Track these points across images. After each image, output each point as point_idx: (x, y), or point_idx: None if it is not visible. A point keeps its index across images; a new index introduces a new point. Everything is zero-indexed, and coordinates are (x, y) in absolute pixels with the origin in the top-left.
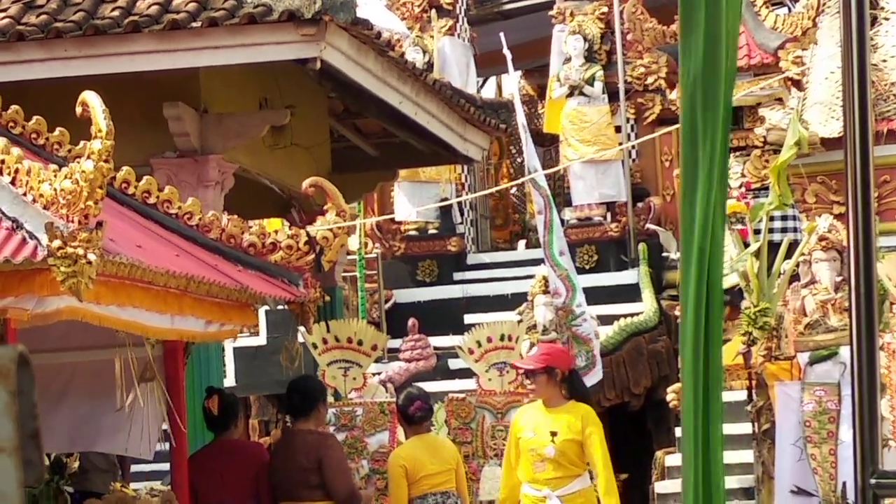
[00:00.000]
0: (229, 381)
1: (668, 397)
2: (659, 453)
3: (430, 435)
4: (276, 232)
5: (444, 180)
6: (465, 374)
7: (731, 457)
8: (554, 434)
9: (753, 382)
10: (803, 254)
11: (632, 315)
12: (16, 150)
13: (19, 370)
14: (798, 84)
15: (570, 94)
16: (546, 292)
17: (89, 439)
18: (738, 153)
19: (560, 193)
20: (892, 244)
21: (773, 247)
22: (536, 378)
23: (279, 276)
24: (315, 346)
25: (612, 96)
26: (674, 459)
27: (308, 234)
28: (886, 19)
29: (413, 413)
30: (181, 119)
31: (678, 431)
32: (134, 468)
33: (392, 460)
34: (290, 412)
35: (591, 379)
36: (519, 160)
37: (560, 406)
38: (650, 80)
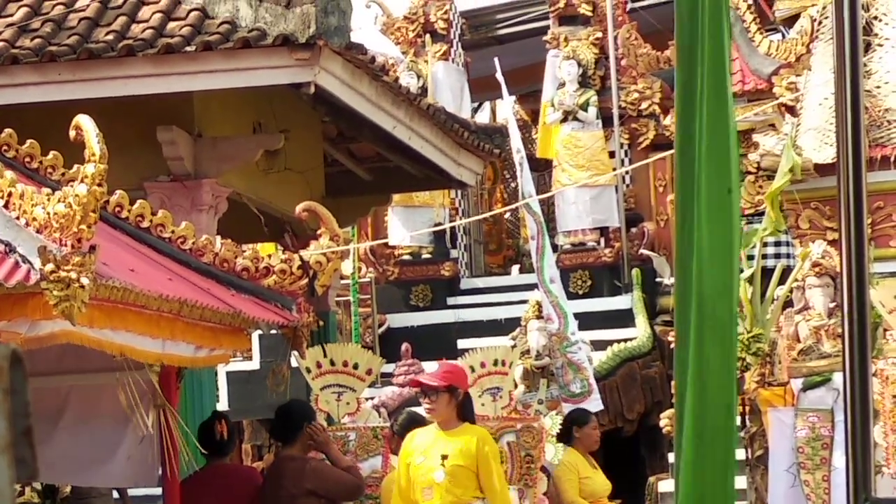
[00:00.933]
0: (222, 405)
1: (662, 423)
2: (652, 479)
3: None
4: (269, 256)
5: (437, 205)
6: None
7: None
8: (445, 458)
9: (747, 408)
10: (797, 280)
11: (625, 340)
12: (9, 174)
13: (12, 368)
14: (792, 110)
15: (564, 120)
16: (540, 317)
17: (92, 472)
18: None
19: (550, 219)
20: (886, 270)
21: (767, 273)
22: (438, 397)
23: (272, 301)
24: (308, 371)
25: (606, 121)
26: (667, 485)
27: (301, 259)
28: (880, 45)
29: None
30: (175, 143)
31: (671, 457)
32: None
33: (388, 483)
34: (276, 438)
35: (589, 406)
36: (513, 185)
37: (455, 428)
38: (644, 105)
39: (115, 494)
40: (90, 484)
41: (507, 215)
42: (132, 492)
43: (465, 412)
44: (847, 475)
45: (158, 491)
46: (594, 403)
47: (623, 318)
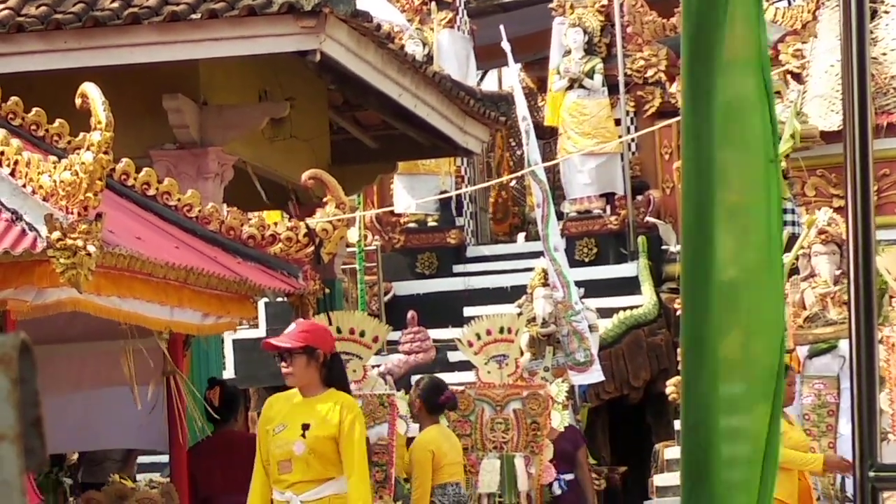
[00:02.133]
0: (228, 373)
1: (668, 390)
2: (658, 446)
3: (445, 426)
4: (275, 224)
5: (443, 173)
6: (465, 366)
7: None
8: (306, 427)
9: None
10: (803, 247)
11: (631, 308)
12: (15, 142)
13: (21, 358)
14: (798, 77)
15: (570, 87)
16: (545, 285)
17: (104, 436)
18: None
19: (556, 186)
20: (892, 238)
21: None
22: (294, 360)
23: (279, 269)
24: None
25: (612, 89)
26: (673, 452)
27: (307, 227)
28: (886, 12)
29: (444, 402)
30: (181, 111)
31: (677, 424)
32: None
33: (420, 445)
34: None
35: (590, 378)
36: (519, 153)
37: (317, 395)
38: (650, 72)
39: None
40: (102, 447)
41: (513, 183)
42: (143, 458)
43: (331, 376)
44: (853, 442)
45: (166, 458)
46: (595, 374)
47: (629, 286)
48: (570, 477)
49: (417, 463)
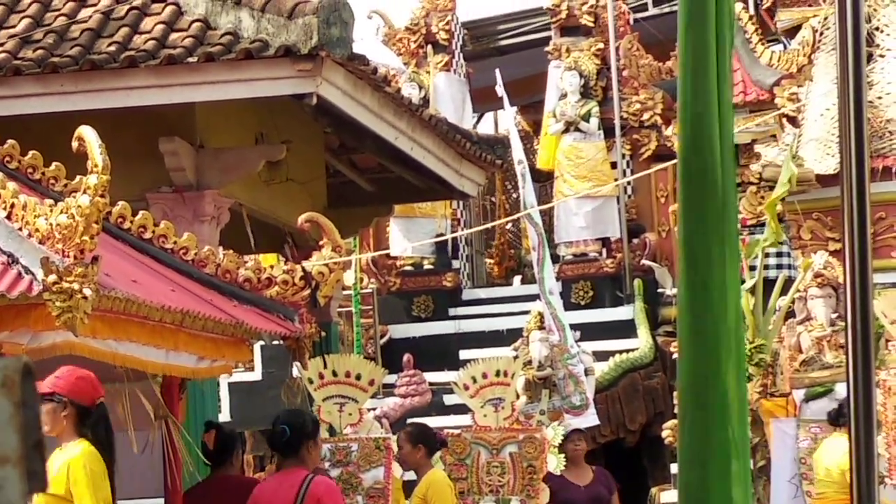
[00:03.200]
0: (224, 416)
1: (664, 433)
2: (654, 490)
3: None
4: (271, 267)
5: (439, 215)
6: (461, 409)
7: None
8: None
9: (748, 419)
10: (799, 290)
11: (627, 351)
12: (12, 185)
13: (23, 381)
14: (794, 121)
15: (566, 130)
16: (542, 328)
17: None
18: None
19: (551, 229)
20: (888, 281)
21: (769, 283)
22: (45, 405)
23: (275, 312)
24: (311, 381)
25: (608, 132)
26: (669, 496)
27: (304, 270)
28: (882, 56)
29: (441, 442)
30: (177, 154)
31: (674, 468)
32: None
33: (439, 480)
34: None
35: (585, 422)
36: (515, 196)
37: (64, 446)
38: (646, 116)
39: None
40: None
41: (509, 226)
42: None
43: (88, 427)
44: (851, 486)
45: (160, 502)
46: (591, 418)
47: (625, 329)
48: None
49: (442, 494)
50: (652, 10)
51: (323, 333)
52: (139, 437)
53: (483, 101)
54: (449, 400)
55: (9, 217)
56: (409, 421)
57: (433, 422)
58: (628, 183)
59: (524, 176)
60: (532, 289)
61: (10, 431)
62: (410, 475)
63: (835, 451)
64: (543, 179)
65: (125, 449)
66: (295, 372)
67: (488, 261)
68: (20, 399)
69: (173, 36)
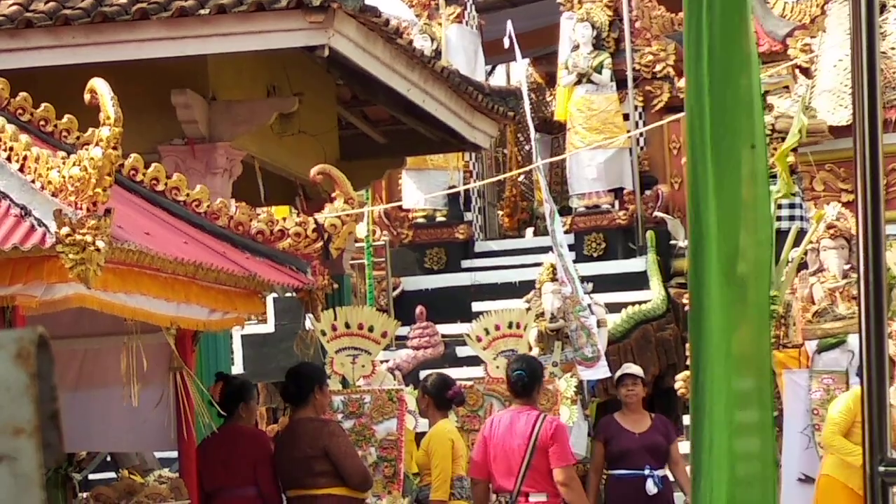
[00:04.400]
0: (237, 368)
1: (677, 385)
2: None
3: (453, 421)
4: (284, 219)
5: (451, 168)
6: (473, 361)
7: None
8: None
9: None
10: (811, 242)
11: (639, 303)
12: (24, 138)
13: (39, 352)
14: (806, 72)
15: (578, 82)
16: (554, 280)
17: (111, 437)
18: None
19: (564, 181)
20: None
21: (781, 235)
22: None
23: (287, 264)
24: (324, 334)
25: (620, 84)
26: (682, 447)
27: (316, 222)
28: (895, 7)
29: (452, 397)
30: (189, 106)
31: (686, 419)
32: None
33: (439, 434)
34: (287, 400)
35: (596, 374)
36: (527, 148)
37: None
38: (658, 67)
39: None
40: (107, 450)
41: (521, 178)
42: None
43: None
44: (863, 437)
45: (174, 453)
46: (601, 370)
47: (637, 281)
48: (661, 473)
49: (438, 451)
50: None
51: (335, 285)
52: (152, 390)
53: (495, 52)
54: (461, 352)
55: (21, 169)
56: (431, 372)
57: (446, 373)
58: (641, 135)
59: (552, 215)
60: (544, 241)
61: (26, 403)
62: (425, 426)
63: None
64: (556, 131)
65: (141, 402)
66: (308, 324)
67: (500, 213)
68: (35, 370)
69: None
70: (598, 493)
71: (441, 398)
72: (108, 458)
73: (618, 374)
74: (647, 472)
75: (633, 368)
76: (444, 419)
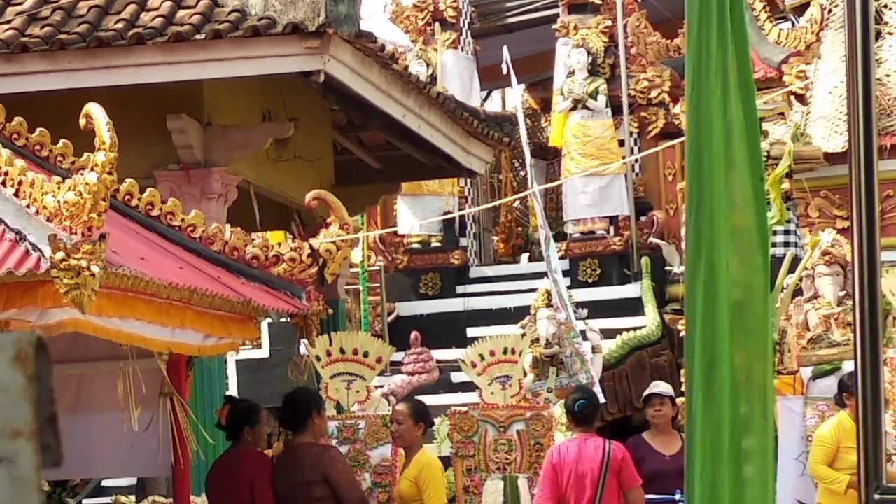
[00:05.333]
0: (231, 393)
1: None
2: None
3: None
4: (279, 245)
5: (446, 193)
6: (468, 387)
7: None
8: None
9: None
10: (806, 268)
11: (634, 329)
12: (19, 162)
13: (37, 355)
14: (801, 98)
15: (574, 108)
16: (549, 306)
17: (106, 464)
18: None
19: (559, 207)
20: (895, 259)
21: (776, 261)
22: None
23: (282, 289)
24: (318, 359)
25: (616, 110)
26: None
27: (311, 247)
28: (890, 34)
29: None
30: (185, 131)
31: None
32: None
33: (433, 462)
34: (285, 426)
35: None
36: (522, 173)
37: None
38: (654, 93)
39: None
40: (94, 476)
41: (516, 204)
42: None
43: None
44: (858, 464)
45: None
46: None
47: (632, 307)
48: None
49: (434, 478)
50: None
51: (330, 311)
52: (144, 416)
53: (491, 78)
54: (456, 377)
55: (16, 194)
56: (410, 398)
57: (441, 399)
58: (636, 160)
59: (548, 242)
60: (539, 266)
61: (24, 405)
62: None
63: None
64: (551, 157)
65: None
66: (302, 349)
67: (495, 238)
68: (34, 373)
69: (181, 13)
70: None
71: (430, 425)
72: (138, 485)
73: (645, 393)
74: (677, 496)
75: (662, 387)
76: (424, 447)
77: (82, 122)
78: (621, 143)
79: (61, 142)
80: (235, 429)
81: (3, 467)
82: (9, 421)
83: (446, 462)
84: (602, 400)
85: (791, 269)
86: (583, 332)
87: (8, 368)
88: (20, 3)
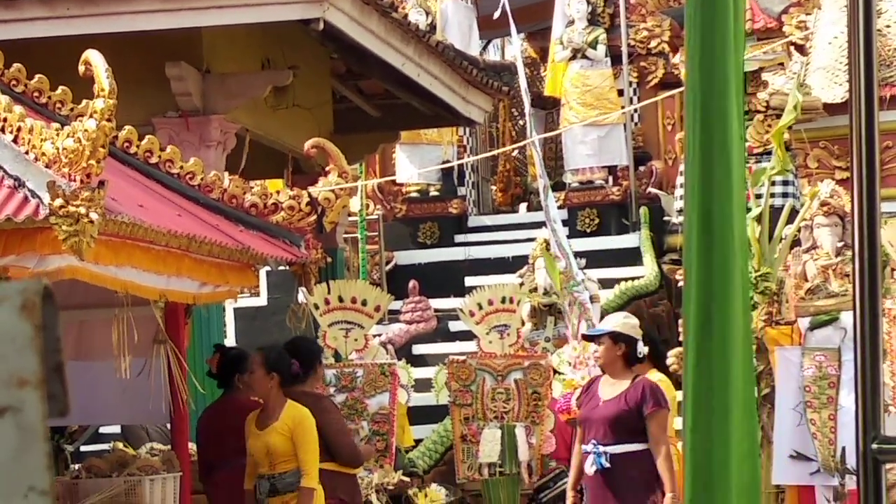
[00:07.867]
0: (229, 341)
1: (669, 361)
2: None
3: None
4: (277, 193)
5: (445, 142)
6: (466, 336)
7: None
8: None
9: (753, 347)
10: (805, 219)
11: (633, 278)
12: (18, 109)
13: (44, 304)
14: (801, 49)
15: (573, 58)
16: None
17: (103, 411)
18: None
19: (558, 157)
20: (895, 210)
21: (775, 212)
22: None
23: (281, 237)
24: (316, 307)
25: (615, 60)
26: (675, 423)
27: (310, 195)
28: None
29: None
30: (183, 79)
31: (679, 396)
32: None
33: (308, 416)
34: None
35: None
36: (521, 123)
37: None
38: (653, 43)
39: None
40: (93, 423)
41: (515, 153)
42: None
43: None
44: (856, 414)
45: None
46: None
47: (630, 257)
48: None
49: (310, 434)
50: None
51: (328, 259)
52: (137, 363)
53: (490, 27)
54: (454, 326)
55: (15, 141)
56: (266, 345)
57: (438, 348)
58: (635, 110)
59: (546, 190)
60: (538, 216)
61: (31, 354)
62: (417, 401)
63: None
64: (550, 107)
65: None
66: (300, 298)
67: (494, 188)
68: (40, 322)
69: None
70: None
71: (287, 376)
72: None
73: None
74: (588, 447)
75: (604, 324)
76: (288, 400)
77: (81, 68)
78: (620, 92)
79: (60, 89)
80: (226, 377)
81: (11, 416)
82: (16, 370)
83: (444, 411)
84: None
85: (789, 220)
86: (581, 282)
87: (15, 317)
88: None
